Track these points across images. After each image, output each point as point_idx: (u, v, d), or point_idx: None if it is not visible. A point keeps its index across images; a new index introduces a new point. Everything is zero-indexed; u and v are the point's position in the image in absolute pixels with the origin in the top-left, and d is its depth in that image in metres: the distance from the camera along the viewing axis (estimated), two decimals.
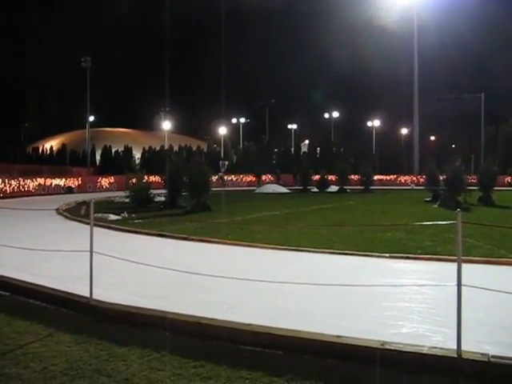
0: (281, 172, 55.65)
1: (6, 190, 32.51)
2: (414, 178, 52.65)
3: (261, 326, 5.56)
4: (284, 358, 5.02)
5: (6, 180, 33.30)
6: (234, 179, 55.86)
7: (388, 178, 56.74)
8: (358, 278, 8.20)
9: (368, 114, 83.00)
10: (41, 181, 36.66)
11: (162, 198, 24.58)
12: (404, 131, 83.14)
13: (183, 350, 5.19)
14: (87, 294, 6.67)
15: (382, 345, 4.93)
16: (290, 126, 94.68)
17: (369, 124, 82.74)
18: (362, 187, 41.41)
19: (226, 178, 53.48)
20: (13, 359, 5.05)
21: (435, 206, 22.92)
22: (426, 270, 9.15)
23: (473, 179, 28.98)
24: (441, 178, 26.03)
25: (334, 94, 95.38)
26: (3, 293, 7.68)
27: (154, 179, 32.89)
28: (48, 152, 71.97)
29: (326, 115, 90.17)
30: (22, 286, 7.69)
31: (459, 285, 4.79)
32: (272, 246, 11.40)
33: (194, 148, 75.54)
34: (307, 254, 10.64)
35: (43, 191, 35.76)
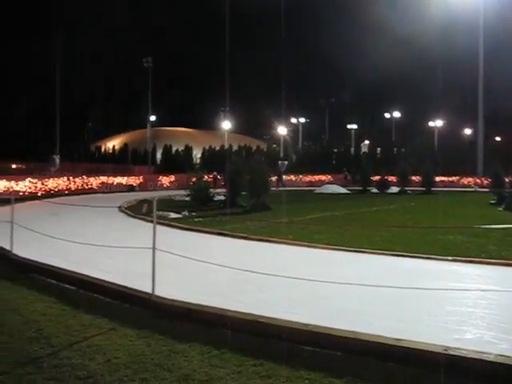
0: (349, 171, 54.89)
1: (70, 188, 33.52)
2: (478, 180, 51.16)
3: (319, 326, 5.54)
4: (343, 360, 4.98)
5: (71, 178, 34.31)
6: (294, 179, 55.82)
7: (450, 179, 55.34)
8: (419, 280, 8.02)
9: (430, 113, 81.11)
10: (104, 179, 37.61)
11: (222, 197, 24.78)
12: (468, 131, 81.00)
13: (243, 348, 5.24)
14: (149, 290, 6.81)
15: (446, 350, 4.79)
16: (349, 126, 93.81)
17: (431, 124, 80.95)
18: (424, 189, 40.55)
19: (284, 178, 53.50)
20: (78, 350, 5.23)
21: (500, 209, 22.22)
22: (490, 275, 8.90)
23: None
24: (506, 180, 25.23)
25: (395, 94, 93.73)
26: (70, 287, 7.95)
27: None
28: (110, 151, 73.42)
29: (387, 115, 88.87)
30: (87, 280, 7.92)
31: None
32: (332, 246, 11.33)
33: (254, 148, 75.66)
34: (367, 255, 10.53)
35: (106, 189, 36.66)
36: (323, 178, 55.96)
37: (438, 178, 47.11)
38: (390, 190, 41.14)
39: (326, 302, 6.77)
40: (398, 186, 41.71)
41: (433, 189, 40.47)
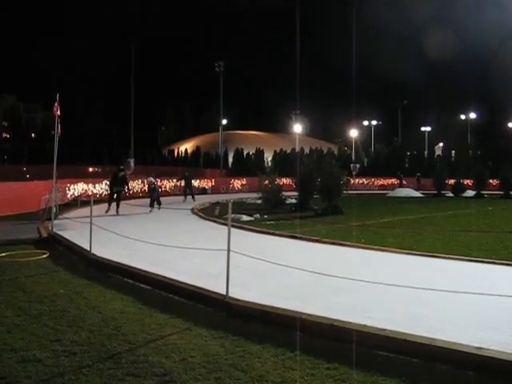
0: (421, 175, 53.78)
1: (145, 190, 34.29)
2: None
3: (395, 331, 5.43)
4: (420, 367, 4.87)
5: (145, 180, 35.08)
6: (366, 182, 55.26)
7: None
8: (498, 287, 7.71)
9: (509, 114, 78.21)
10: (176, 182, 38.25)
11: (293, 201, 24.77)
12: None
13: (316, 351, 5.22)
14: (223, 291, 6.88)
15: None
16: (423, 129, 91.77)
17: (510, 125, 78.04)
18: (502, 193, 39.25)
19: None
20: (154, 348, 5.35)
21: None
22: None
23: None
24: None
25: (471, 94, 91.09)
26: (145, 286, 8.14)
27: (285, 181, 33.28)
28: (183, 154, 74.83)
29: (463, 117, 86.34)
30: (162, 280, 8.09)
31: None
32: (406, 250, 11.11)
33: (325, 151, 75.26)
34: (443, 260, 10.23)
35: (179, 192, 37.27)
36: (395, 181, 55.08)
37: None
38: (465, 194, 40.13)
39: (401, 307, 6.63)
40: (474, 190, 40.57)
41: None
